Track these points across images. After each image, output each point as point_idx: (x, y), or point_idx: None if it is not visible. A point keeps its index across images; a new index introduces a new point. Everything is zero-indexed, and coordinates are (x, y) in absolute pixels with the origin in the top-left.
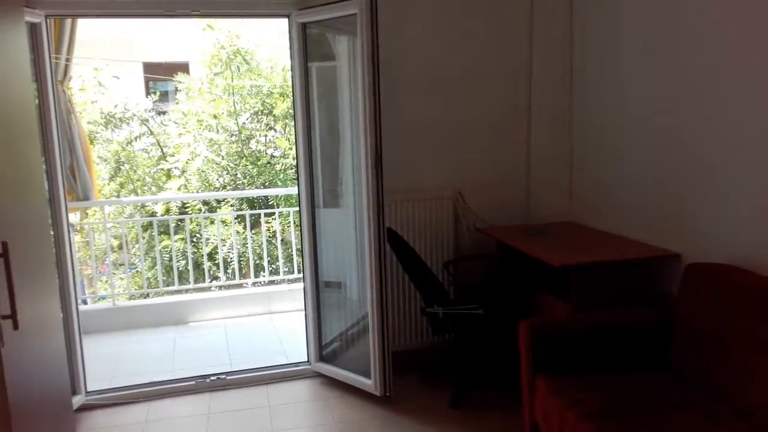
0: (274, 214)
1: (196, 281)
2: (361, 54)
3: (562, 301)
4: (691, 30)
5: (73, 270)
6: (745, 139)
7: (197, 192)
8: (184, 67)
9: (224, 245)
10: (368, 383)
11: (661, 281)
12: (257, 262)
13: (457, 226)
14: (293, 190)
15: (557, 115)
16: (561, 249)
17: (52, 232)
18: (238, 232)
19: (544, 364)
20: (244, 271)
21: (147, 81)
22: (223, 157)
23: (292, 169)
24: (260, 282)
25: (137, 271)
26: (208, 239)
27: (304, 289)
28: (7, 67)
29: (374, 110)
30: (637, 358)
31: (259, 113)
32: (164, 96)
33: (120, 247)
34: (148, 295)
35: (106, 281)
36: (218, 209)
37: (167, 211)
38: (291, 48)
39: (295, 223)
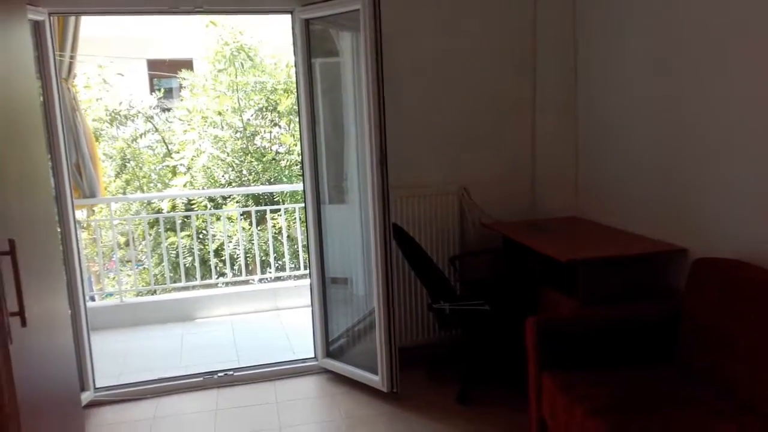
0: (279, 210)
1: (202, 278)
2: (365, 50)
3: (568, 296)
4: (697, 20)
5: (80, 267)
6: (752, 133)
7: (203, 189)
8: (188, 64)
9: (230, 242)
10: (375, 379)
11: (668, 276)
12: (263, 258)
13: (462, 222)
14: (299, 187)
15: (562, 110)
16: (567, 244)
17: (58, 229)
18: (244, 228)
19: (551, 360)
20: (250, 268)
21: (151, 78)
22: (228, 153)
23: (297, 165)
24: (267, 278)
25: (144, 267)
26: (214, 236)
27: (310, 285)
28: (10, 65)
29: (378, 106)
30: (644, 353)
31: (264, 110)
32: (169, 93)
33: (127, 243)
34: (155, 292)
35: (114, 278)
36: (224, 206)
37: (173, 207)
38: (294, 44)
39: (300, 219)
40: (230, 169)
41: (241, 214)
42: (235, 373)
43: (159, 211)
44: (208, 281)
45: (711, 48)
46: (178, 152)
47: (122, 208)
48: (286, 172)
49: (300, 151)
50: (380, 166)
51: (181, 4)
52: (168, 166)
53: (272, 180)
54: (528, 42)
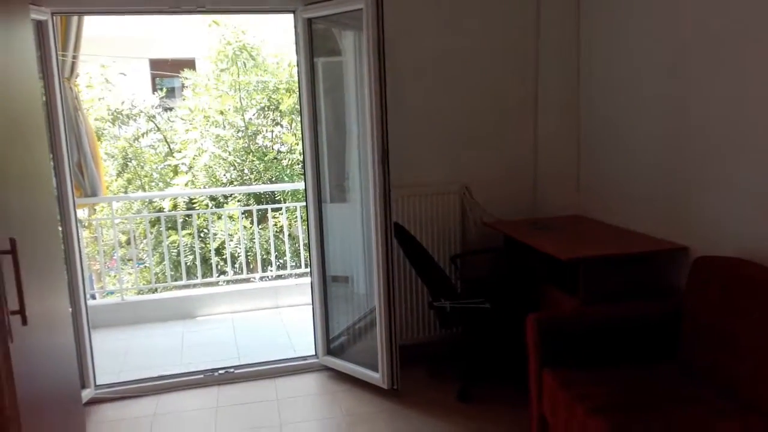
0: (281, 209)
1: (203, 276)
2: (367, 49)
3: (570, 295)
4: (700, 21)
5: (81, 265)
6: (754, 132)
7: (204, 188)
8: (190, 64)
9: (232, 240)
10: (376, 377)
11: (669, 275)
12: (264, 256)
13: (464, 221)
14: (300, 186)
15: (564, 109)
16: (568, 243)
17: (60, 228)
18: (245, 227)
19: (552, 357)
20: (251, 266)
21: (153, 77)
22: (229, 152)
23: (298, 164)
24: (268, 276)
25: (145, 266)
26: (215, 234)
27: (311, 283)
28: (13, 65)
29: (380, 105)
30: (645, 352)
31: (266, 109)
32: (171, 92)
33: (128, 242)
34: (156, 290)
35: (115, 276)
36: (225, 205)
37: (175, 206)
38: (297, 43)
39: (302, 218)
40: (232, 168)
41: (243, 213)
42: (236, 371)
43: (160, 210)
44: (209, 279)
45: (714, 48)
46: (179, 151)
47: (124, 207)
48: (288, 171)
49: (302, 150)
50: (382, 164)
51: (184, 3)
52: (170, 165)
53: (274, 179)
54: (531, 42)
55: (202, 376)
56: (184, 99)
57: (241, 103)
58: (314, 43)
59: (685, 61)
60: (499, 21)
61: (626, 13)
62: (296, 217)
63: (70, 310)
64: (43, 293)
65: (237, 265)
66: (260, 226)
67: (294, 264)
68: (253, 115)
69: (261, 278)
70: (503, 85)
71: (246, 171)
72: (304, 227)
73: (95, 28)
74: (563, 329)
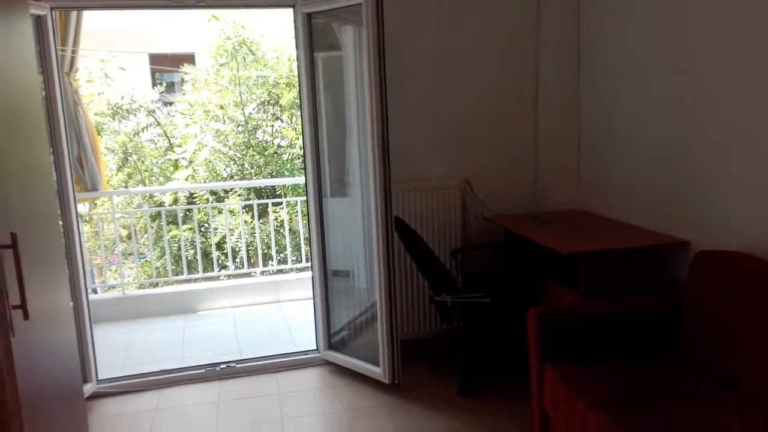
0: (281, 203)
1: (204, 270)
2: (367, 44)
3: (570, 289)
4: (700, 20)
5: (82, 260)
6: (755, 126)
7: (205, 182)
8: (190, 58)
9: (232, 235)
10: (377, 371)
11: (670, 269)
12: (265, 251)
13: (464, 215)
14: (300, 180)
15: (564, 102)
16: (569, 237)
17: (61, 223)
18: (246, 221)
19: (553, 352)
20: (252, 261)
21: (153, 72)
22: (230, 147)
23: (299, 158)
24: (269, 271)
25: (146, 260)
26: (216, 229)
27: (312, 277)
28: (12, 60)
29: (380, 100)
30: (647, 346)
31: (266, 103)
32: (171, 87)
33: (129, 236)
34: (157, 285)
35: (116, 271)
36: (226, 199)
37: (175, 201)
38: (296, 38)
39: (302, 212)
40: (232, 162)
41: (243, 208)
42: (237, 365)
43: (161, 204)
44: (210, 274)
45: (714, 46)
46: (180, 146)
47: (124, 201)
48: (288, 166)
49: (302, 145)
50: (382, 159)
51: None
52: (170, 159)
53: (274, 173)
54: (531, 41)
55: (203, 370)
56: (183, 94)
57: (241, 98)
58: (314, 37)
59: (685, 59)
60: (500, 20)
61: (626, 13)
62: (297, 211)
63: (72, 304)
64: (45, 288)
65: (238, 260)
66: (261, 221)
67: (295, 258)
68: (253, 109)
69: (262, 273)
70: (504, 83)
71: (246, 165)
72: (304, 222)
73: (94, 23)
74: (564, 323)
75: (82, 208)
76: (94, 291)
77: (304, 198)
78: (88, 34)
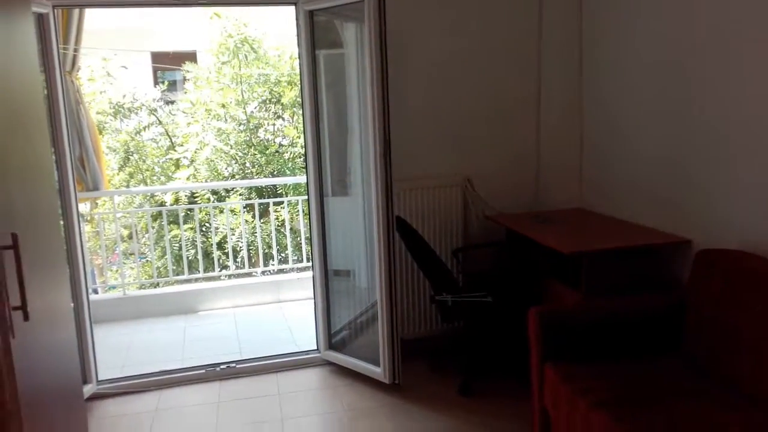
0: (282, 203)
1: (205, 270)
2: (369, 42)
3: (572, 288)
4: (702, 20)
5: (83, 260)
6: (757, 125)
7: (206, 181)
8: (191, 57)
9: (233, 234)
10: (377, 371)
11: (673, 268)
12: (266, 251)
13: (466, 214)
14: (302, 179)
15: (567, 101)
16: (571, 236)
17: (62, 222)
18: (247, 221)
19: (554, 351)
20: (253, 260)
21: (155, 71)
22: (231, 146)
23: (300, 157)
24: (269, 271)
25: (147, 260)
26: (217, 228)
27: (313, 277)
28: (14, 58)
29: (382, 98)
30: (649, 345)
31: (267, 102)
32: (172, 85)
33: (130, 236)
34: (158, 285)
35: (117, 271)
36: (227, 198)
37: (176, 200)
38: (298, 36)
39: (303, 211)
40: (233, 161)
41: (244, 207)
42: (238, 366)
43: (162, 204)
44: (210, 274)
45: (717, 45)
46: (181, 145)
47: (125, 201)
48: (290, 165)
49: (303, 144)
50: (383, 158)
51: None
52: (171, 158)
53: (275, 172)
54: (533, 41)
55: (204, 371)
56: (185, 92)
57: (243, 96)
58: (316, 35)
59: (687, 58)
60: (502, 20)
61: (628, 12)
62: (298, 210)
63: (72, 305)
64: (45, 288)
65: (239, 260)
66: (262, 220)
67: (296, 258)
68: (255, 108)
69: (263, 272)
70: (506, 82)
71: (248, 164)
72: (305, 221)
73: (96, 21)
74: (565, 323)
75: (84, 207)
76: (95, 291)
77: (306, 197)
78: (90, 32)
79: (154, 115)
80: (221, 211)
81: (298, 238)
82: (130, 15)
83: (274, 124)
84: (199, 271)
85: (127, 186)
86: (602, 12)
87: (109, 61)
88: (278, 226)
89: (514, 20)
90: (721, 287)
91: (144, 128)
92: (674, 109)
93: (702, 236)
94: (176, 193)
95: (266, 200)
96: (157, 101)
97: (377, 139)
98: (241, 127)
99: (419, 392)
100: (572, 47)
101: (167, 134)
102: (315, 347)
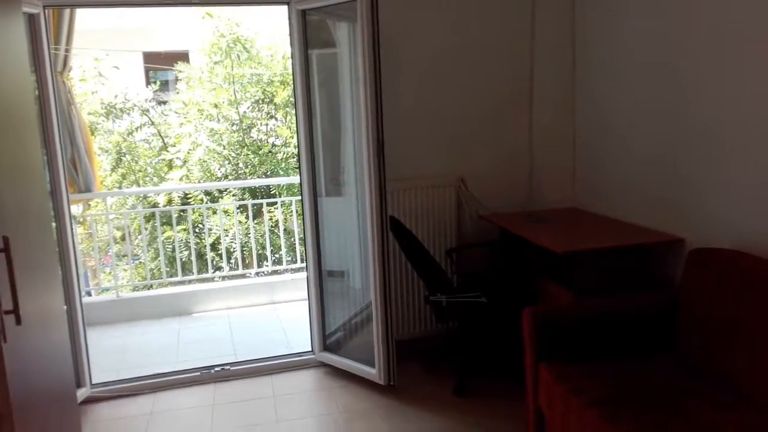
0: (276, 203)
1: (199, 272)
2: (362, 41)
3: (566, 287)
4: (695, 11)
5: (76, 262)
6: (749, 125)
7: (199, 182)
8: (184, 56)
9: (227, 235)
10: (372, 372)
11: (666, 267)
12: (260, 252)
13: (459, 214)
14: (295, 179)
15: (559, 101)
16: (564, 235)
17: (54, 225)
18: (240, 222)
19: (548, 351)
20: (247, 261)
21: (147, 71)
22: (224, 146)
23: (293, 157)
24: (263, 272)
25: (140, 262)
26: (210, 229)
27: (307, 278)
28: (4, 58)
29: (375, 98)
30: (642, 344)
31: (260, 102)
32: (164, 85)
33: (123, 238)
34: (151, 287)
35: (110, 273)
36: (220, 199)
37: (169, 201)
38: (291, 35)
39: (297, 212)
40: (226, 162)
41: (238, 208)
42: (232, 368)
43: (155, 205)
44: (204, 275)
45: (708, 45)
46: (174, 145)
47: (118, 202)
48: (283, 165)
49: (296, 144)
50: (377, 157)
51: None
52: (164, 159)
53: (269, 173)
54: (526, 41)
55: (198, 373)
56: (177, 92)
57: (236, 96)
58: (308, 34)
59: (679, 58)
60: (495, 19)
61: (621, 12)
62: (292, 211)
63: (65, 307)
64: (38, 291)
65: (232, 261)
66: (255, 221)
67: (290, 259)
68: (248, 108)
69: (256, 274)
70: (499, 81)
71: (241, 165)
72: (299, 221)
73: (88, 21)
74: (559, 323)
75: (76, 209)
76: (88, 293)
77: (299, 197)
78: (81, 33)
79: (146, 115)
80: (214, 212)
81: (292, 239)
82: (122, 15)
83: (267, 124)
84: (192, 273)
85: (120, 187)
86: (594, 12)
87: (100, 61)
88: (272, 226)
89: (506, 20)
90: (713, 286)
91: (136, 129)
92: (666, 109)
93: (694, 235)
94: (169, 194)
95: (260, 201)
96: (149, 101)
97: (370, 139)
98: (234, 128)
99: (414, 393)
100: (565, 47)
101: (159, 135)
102: (309, 349)
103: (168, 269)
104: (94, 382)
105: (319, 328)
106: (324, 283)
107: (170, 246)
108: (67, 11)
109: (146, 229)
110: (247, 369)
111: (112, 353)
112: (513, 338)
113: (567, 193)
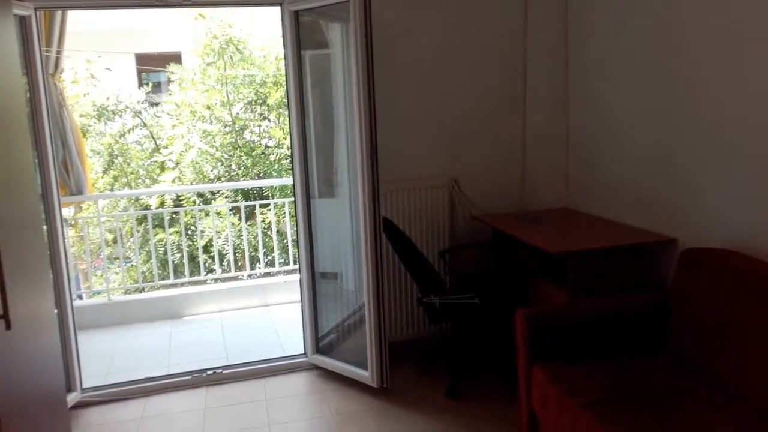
0: (269, 205)
1: (191, 274)
2: (355, 42)
3: (560, 288)
4: (689, 11)
5: (67, 265)
6: (742, 125)
7: (191, 184)
8: (176, 58)
9: (219, 237)
10: (365, 375)
11: (659, 267)
12: (253, 254)
13: (452, 215)
14: (288, 181)
15: (553, 101)
16: (558, 236)
17: (45, 228)
18: (233, 224)
19: (542, 352)
20: (239, 264)
21: (139, 72)
22: (217, 148)
23: (286, 159)
24: (256, 274)
25: (132, 265)
26: (203, 232)
27: (300, 280)
28: None
29: (368, 99)
30: (636, 344)
31: (253, 103)
32: (157, 87)
33: (114, 241)
34: (143, 290)
35: (101, 276)
36: (213, 201)
37: (162, 204)
38: (284, 36)
39: (290, 214)
40: (219, 163)
41: (231, 210)
42: (224, 371)
43: (147, 207)
44: (196, 278)
45: (702, 46)
46: (166, 147)
47: (110, 204)
48: (276, 167)
49: (289, 145)
50: (370, 159)
51: None
52: (156, 161)
53: (261, 174)
54: (519, 41)
55: (190, 377)
56: (170, 94)
57: (228, 98)
58: (301, 35)
59: (673, 58)
60: (488, 20)
61: (614, 13)
62: (284, 213)
63: (56, 311)
64: (28, 295)
65: (225, 263)
66: (248, 223)
67: (282, 261)
68: (240, 109)
69: (249, 276)
70: (492, 82)
71: (233, 167)
72: (292, 223)
73: (80, 23)
74: (553, 324)
75: (67, 212)
76: (80, 297)
77: (292, 199)
78: (73, 34)
79: (138, 117)
80: (207, 214)
81: (285, 241)
82: (114, 16)
83: (259, 126)
84: (184, 276)
85: (112, 189)
86: (588, 12)
87: (92, 63)
88: (265, 228)
89: (499, 21)
90: (706, 285)
91: (128, 131)
92: (660, 109)
93: (687, 235)
94: (161, 196)
95: (252, 203)
96: (142, 103)
97: (364, 141)
98: (227, 129)
99: (407, 396)
100: (558, 47)
101: (152, 137)
102: (302, 351)
103: (160, 272)
104: (84, 386)
105: (312, 330)
106: (317, 285)
107: (162, 248)
108: (58, 13)
109: (138, 231)
110: (240, 372)
111: (103, 357)
112: (506, 339)
113: (560, 193)
